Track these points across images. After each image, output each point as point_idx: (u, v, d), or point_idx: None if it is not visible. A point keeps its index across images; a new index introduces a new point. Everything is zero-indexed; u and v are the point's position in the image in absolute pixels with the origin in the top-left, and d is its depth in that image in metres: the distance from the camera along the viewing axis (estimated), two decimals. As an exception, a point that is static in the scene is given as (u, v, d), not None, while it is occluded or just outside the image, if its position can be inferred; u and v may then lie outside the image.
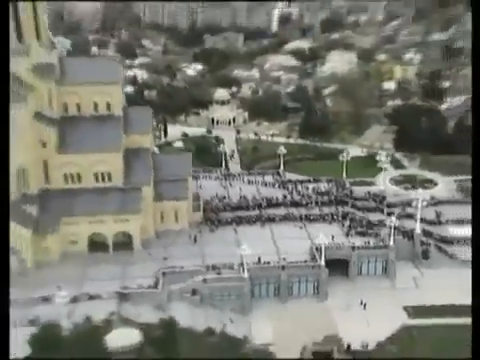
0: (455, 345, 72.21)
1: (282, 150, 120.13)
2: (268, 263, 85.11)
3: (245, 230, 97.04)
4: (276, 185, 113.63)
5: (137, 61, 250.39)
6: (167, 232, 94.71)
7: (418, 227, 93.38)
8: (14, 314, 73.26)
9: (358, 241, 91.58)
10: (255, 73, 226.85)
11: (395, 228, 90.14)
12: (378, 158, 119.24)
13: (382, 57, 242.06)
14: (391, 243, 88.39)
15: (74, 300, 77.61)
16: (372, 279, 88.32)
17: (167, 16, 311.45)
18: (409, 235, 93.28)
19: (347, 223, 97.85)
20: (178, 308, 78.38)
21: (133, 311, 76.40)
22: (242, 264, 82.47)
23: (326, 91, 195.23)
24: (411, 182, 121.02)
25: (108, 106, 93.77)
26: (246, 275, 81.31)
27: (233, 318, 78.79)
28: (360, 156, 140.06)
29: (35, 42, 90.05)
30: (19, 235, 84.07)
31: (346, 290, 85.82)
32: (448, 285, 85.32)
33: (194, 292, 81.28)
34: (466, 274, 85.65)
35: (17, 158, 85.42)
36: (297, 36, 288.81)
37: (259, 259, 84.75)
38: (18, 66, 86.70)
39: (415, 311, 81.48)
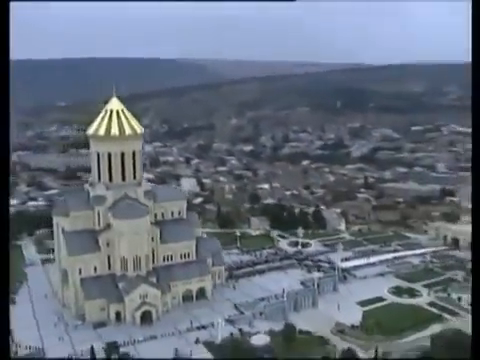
0: (388, 313, 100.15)
1: (237, 233, 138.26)
2: (288, 292, 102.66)
3: (254, 279, 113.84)
4: (242, 254, 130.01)
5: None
6: (215, 285, 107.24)
7: (339, 264, 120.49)
8: (176, 339, 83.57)
9: (318, 275, 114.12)
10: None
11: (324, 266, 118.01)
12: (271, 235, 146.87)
13: (208, 181, 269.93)
14: (336, 273, 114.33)
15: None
16: (330, 293, 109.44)
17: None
18: (335, 268, 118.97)
19: (306, 267, 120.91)
20: (258, 323, 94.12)
21: (246, 327, 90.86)
22: (280, 295, 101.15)
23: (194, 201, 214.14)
24: (298, 244, 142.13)
25: (179, 213, 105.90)
26: (285, 299, 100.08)
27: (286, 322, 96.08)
28: (255, 234, 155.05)
29: (143, 178, 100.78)
30: (153, 295, 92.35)
31: (323, 300, 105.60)
32: (362, 289, 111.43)
33: (260, 313, 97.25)
34: (364, 283, 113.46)
35: (144, 248, 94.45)
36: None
37: (283, 290, 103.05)
38: (137, 192, 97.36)
39: (361, 303, 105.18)
